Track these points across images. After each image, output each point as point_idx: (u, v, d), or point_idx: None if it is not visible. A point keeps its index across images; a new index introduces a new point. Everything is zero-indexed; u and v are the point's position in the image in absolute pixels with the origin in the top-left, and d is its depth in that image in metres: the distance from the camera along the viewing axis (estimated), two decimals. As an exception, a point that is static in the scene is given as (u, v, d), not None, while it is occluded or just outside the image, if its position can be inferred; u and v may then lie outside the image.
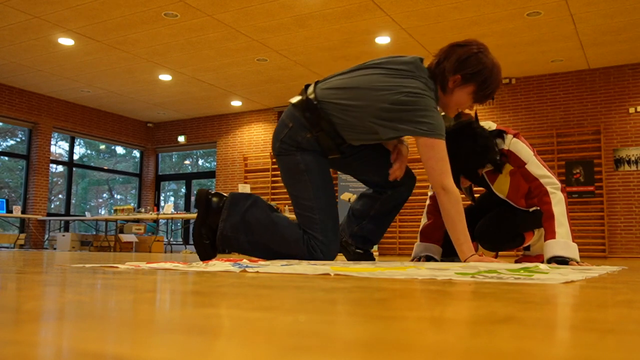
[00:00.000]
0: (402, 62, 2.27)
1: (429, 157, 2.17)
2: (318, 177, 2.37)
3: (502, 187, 2.59)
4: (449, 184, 2.17)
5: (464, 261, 2.17)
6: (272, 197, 10.77)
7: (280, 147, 2.39)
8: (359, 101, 2.24)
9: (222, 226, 2.40)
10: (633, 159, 8.29)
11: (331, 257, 2.39)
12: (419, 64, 2.27)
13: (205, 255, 2.46)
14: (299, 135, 2.33)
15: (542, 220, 2.37)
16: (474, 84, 2.25)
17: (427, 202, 2.81)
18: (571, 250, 2.24)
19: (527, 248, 2.91)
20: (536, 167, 2.42)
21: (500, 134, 2.48)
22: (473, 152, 2.42)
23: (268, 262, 2.10)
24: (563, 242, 2.25)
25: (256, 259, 2.43)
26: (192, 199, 12.59)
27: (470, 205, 2.98)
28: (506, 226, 2.71)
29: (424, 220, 2.77)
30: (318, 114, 2.28)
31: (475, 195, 2.93)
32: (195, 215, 2.75)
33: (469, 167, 2.48)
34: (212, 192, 2.49)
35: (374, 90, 2.22)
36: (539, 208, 2.65)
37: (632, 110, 8.38)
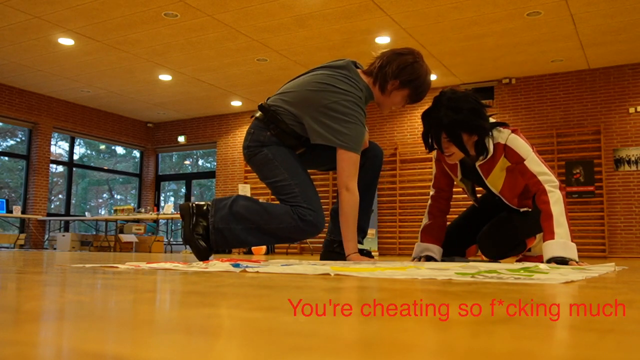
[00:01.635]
0: (337, 65, 2.59)
1: (343, 162, 2.48)
2: (287, 159, 2.57)
3: (496, 182, 2.57)
4: (352, 186, 2.48)
5: (347, 257, 2.47)
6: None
7: (248, 151, 2.63)
8: (298, 99, 2.52)
9: (212, 221, 2.51)
10: (633, 159, 8.29)
11: (320, 223, 2.52)
12: (351, 66, 2.58)
13: (201, 253, 2.49)
14: (261, 135, 2.59)
15: (541, 219, 2.34)
16: (409, 88, 2.54)
17: (429, 202, 2.81)
18: (570, 250, 2.23)
19: (529, 249, 2.90)
20: (535, 164, 2.40)
21: (499, 125, 2.45)
22: (456, 107, 2.35)
23: (268, 262, 2.11)
24: (562, 242, 2.23)
25: (256, 259, 2.44)
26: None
27: (473, 206, 2.96)
28: (507, 235, 2.70)
29: (425, 220, 2.76)
30: (272, 115, 2.56)
31: (478, 195, 2.92)
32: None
33: (452, 125, 2.36)
34: (194, 203, 2.65)
35: (311, 92, 2.50)
36: (530, 210, 2.64)
37: (632, 110, 8.38)
